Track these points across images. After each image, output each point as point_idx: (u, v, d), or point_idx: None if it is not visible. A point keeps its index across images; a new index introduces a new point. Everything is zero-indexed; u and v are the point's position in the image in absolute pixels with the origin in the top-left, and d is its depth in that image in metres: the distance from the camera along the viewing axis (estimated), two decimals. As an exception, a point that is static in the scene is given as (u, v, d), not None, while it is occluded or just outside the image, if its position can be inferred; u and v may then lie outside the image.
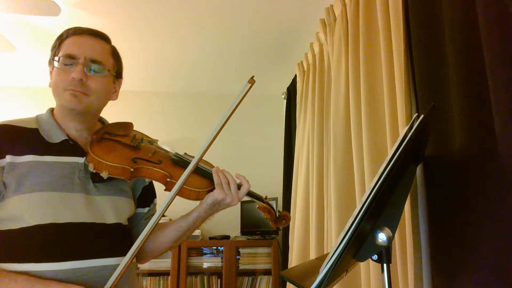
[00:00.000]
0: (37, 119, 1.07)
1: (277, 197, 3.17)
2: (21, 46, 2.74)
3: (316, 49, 2.53)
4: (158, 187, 1.24)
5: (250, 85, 1.04)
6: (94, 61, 1.05)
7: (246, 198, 1.15)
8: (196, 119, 3.71)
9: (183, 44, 2.78)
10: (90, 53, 1.04)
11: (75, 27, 1.08)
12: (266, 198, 1.20)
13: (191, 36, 2.67)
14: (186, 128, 3.68)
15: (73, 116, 1.06)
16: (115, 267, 0.93)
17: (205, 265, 3.17)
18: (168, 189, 1.06)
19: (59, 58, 1.03)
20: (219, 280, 3.15)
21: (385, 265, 0.81)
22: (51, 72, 1.07)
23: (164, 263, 3.07)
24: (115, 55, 1.14)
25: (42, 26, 2.49)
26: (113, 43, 1.14)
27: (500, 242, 0.89)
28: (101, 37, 1.10)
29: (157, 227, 0.97)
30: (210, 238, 3.25)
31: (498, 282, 0.89)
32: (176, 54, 2.96)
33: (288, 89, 3.46)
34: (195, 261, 3.17)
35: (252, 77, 1.03)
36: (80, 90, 1.02)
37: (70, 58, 1.02)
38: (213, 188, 1.09)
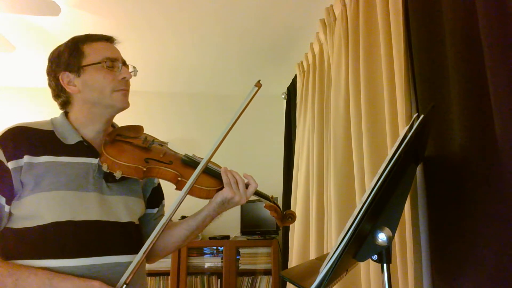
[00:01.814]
0: (52, 122, 1.10)
1: (277, 197, 3.15)
2: (21, 46, 2.74)
3: (316, 49, 2.53)
4: (166, 188, 1.26)
5: (257, 88, 1.06)
6: (124, 63, 1.13)
7: (252, 198, 1.18)
8: (196, 119, 3.71)
9: (183, 44, 2.78)
10: (121, 56, 1.13)
11: (90, 34, 1.12)
12: (272, 197, 1.24)
13: (191, 36, 2.67)
14: (186, 128, 3.68)
15: (110, 117, 1.12)
16: (128, 264, 0.97)
17: (205, 265, 3.17)
18: (179, 188, 1.10)
19: (104, 62, 1.07)
20: (219, 280, 3.15)
21: (385, 265, 0.81)
22: (70, 81, 1.07)
23: (164, 263, 3.06)
24: None
25: (42, 26, 2.49)
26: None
27: (500, 242, 0.89)
28: (114, 41, 1.16)
29: (167, 226, 1.01)
30: (210, 238, 3.25)
31: (498, 282, 0.89)
32: (176, 54, 2.96)
33: (288, 89, 3.46)
34: (195, 261, 3.17)
35: (259, 81, 1.06)
36: (128, 89, 1.11)
37: (112, 61, 1.08)
38: (222, 187, 1.13)
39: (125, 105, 1.11)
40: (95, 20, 2.41)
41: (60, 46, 1.11)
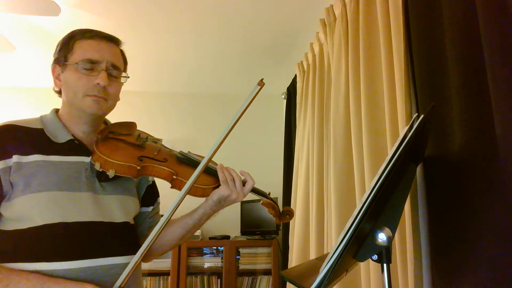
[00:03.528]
0: (42, 119, 1.07)
1: (277, 197, 3.14)
2: (21, 46, 2.74)
3: (316, 49, 2.53)
4: (162, 186, 1.24)
5: (259, 87, 1.04)
6: (114, 67, 1.06)
7: (248, 198, 1.16)
8: (196, 119, 3.71)
9: (183, 44, 2.79)
10: (111, 58, 1.06)
11: (88, 30, 1.07)
12: (269, 194, 1.22)
13: (191, 36, 2.67)
14: (186, 128, 3.68)
15: (87, 120, 1.07)
16: (123, 265, 0.94)
17: (205, 265, 3.17)
18: (174, 186, 1.08)
19: (78, 63, 1.02)
20: (219, 280, 3.15)
21: (385, 265, 0.81)
22: (59, 75, 1.06)
23: (164, 263, 3.07)
24: (124, 57, 1.14)
25: (42, 26, 2.49)
26: (113, 43, 1.14)
27: (500, 242, 0.89)
28: (115, 41, 1.10)
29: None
30: (210, 238, 3.25)
31: (498, 282, 0.89)
32: (176, 54, 2.96)
33: (288, 89, 3.46)
34: (195, 261, 3.17)
35: (262, 79, 1.04)
36: (102, 96, 1.03)
37: (91, 63, 1.02)
38: (218, 185, 1.10)
39: (93, 111, 1.04)
40: (95, 20, 2.41)
41: (63, 36, 1.08)
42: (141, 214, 1.19)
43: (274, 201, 1.22)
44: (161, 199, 1.27)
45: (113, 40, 1.10)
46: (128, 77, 1.10)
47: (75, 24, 2.42)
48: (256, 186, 1.15)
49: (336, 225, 1.79)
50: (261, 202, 1.21)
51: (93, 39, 1.05)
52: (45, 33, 2.56)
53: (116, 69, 1.07)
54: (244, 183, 1.12)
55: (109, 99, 1.05)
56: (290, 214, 1.24)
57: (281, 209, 1.24)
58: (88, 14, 2.36)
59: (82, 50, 1.03)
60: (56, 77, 1.07)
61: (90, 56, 1.03)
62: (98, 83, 1.01)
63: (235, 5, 2.28)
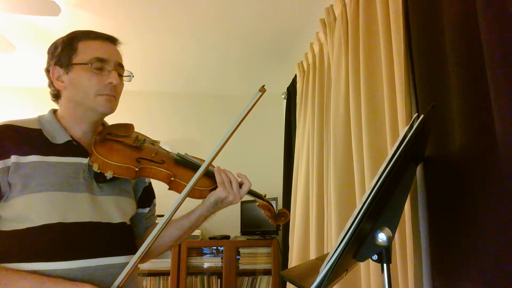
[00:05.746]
0: (39, 120, 1.07)
1: (277, 197, 3.16)
2: (21, 46, 2.74)
3: (316, 49, 2.53)
4: (158, 187, 1.24)
5: (260, 93, 1.06)
6: (120, 65, 1.09)
7: (247, 198, 1.17)
8: (196, 119, 3.71)
9: (183, 44, 2.79)
10: (117, 58, 1.08)
11: (90, 31, 1.09)
12: (265, 196, 1.23)
13: (191, 36, 2.67)
14: (186, 128, 3.68)
15: (92, 120, 1.08)
16: (121, 265, 0.95)
17: (205, 265, 3.17)
18: (171, 188, 1.09)
19: (89, 63, 1.02)
20: (219, 280, 3.15)
21: (385, 265, 0.81)
22: (60, 76, 1.06)
23: (164, 263, 3.07)
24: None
25: (42, 26, 2.49)
26: (113, 43, 1.15)
27: (500, 242, 0.89)
28: (116, 42, 1.12)
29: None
30: (210, 238, 3.25)
31: (498, 282, 0.89)
32: (176, 54, 2.96)
33: (288, 89, 3.46)
34: (195, 261, 3.17)
35: (263, 86, 1.05)
36: (114, 94, 1.06)
37: (101, 62, 1.04)
38: (215, 187, 1.11)
39: (107, 110, 1.06)
40: (95, 20, 2.41)
41: (59, 38, 1.09)
42: (138, 215, 1.19)
43: (270, 203, 1.23)
44: (158, 200, 1.28)
45: (114, 41, 1.12)
46: (133, 76, 1.12)
47: (75, 24, 2.43)
48: (255, 186, 1.16)
49: (336, 225, 1.79)
50: (257, 204, 1.22)
51: (97, 39, 1.07)
52: (45, 33, 2.56)
53: (122, 67, 1.10)
54: (240, 185, 1.13)
55: (117, 97, 1.08)
56: (285, 216, 1.26)
57: (277, 211, 1.25)
58: (88, 14, 2.36)
59: (91, 50, 1.05)
60: (57, 79, 1.06)
61: (100, 55, 1.04)
62: (111, 82, 1.04)
63: (235, 5, 2.28)
